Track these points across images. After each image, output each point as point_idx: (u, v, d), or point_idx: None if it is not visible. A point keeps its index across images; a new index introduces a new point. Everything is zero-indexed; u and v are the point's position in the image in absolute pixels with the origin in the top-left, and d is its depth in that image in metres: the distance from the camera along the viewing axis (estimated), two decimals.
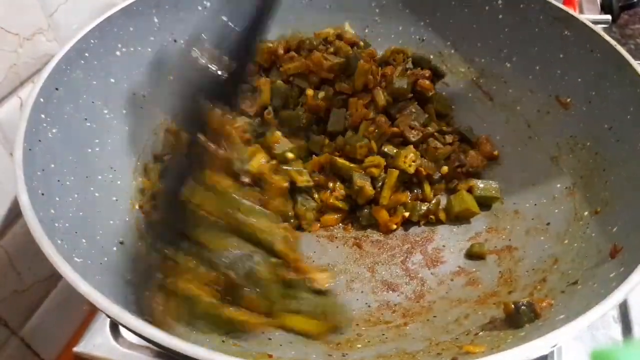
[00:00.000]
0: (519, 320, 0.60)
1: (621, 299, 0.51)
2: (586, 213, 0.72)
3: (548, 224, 0.77)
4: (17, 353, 0.82)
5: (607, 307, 0.50)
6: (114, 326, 0.80)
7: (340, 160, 0.82)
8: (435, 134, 0.89)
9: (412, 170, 0.83)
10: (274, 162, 0.78)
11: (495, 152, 0.90)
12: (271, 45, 0.95)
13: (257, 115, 0.86)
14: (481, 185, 0.86)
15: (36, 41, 0.76)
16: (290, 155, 0.80)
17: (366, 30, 1.05)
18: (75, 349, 0.79)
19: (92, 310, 0.84)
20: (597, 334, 0.79)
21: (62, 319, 0.89)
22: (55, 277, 0.85)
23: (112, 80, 0.83)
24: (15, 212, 0.77)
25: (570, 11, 0.82)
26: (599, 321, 0.53)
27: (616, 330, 0.79)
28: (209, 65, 0.66)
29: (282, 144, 0.81)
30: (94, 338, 0.79)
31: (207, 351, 0.47)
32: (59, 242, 0.58)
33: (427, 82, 0.90)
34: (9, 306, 0.78)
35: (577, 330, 0.49)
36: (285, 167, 0.79)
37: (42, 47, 0.78)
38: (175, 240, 0.63)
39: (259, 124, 0.85)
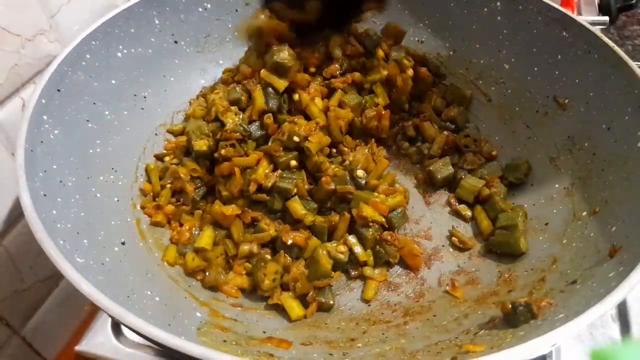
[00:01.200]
0: (516, 319, 0.61)
1: (621, 298, 0.52)
2: (585, 213, 0.73)
3: (546, 224, 0.77)
4: (19, 352, 0.82)
5: (607, 307, 0.51)
6: (116, 325, 0.80)
7: None
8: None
9: None
10: (279, 171, 0.80)
11: (494, 152, 0.90)
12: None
13: (253, 121, 0.86)
14: None
15: (38, 42, 0.77)
16: (293, 162, 0.81)
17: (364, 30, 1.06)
18: (77, 347, 0.79)
19: (94, 310, 0.84)
20: (595, 333, 0.79)
21: (64, 318, 0.89)
22: (56, 276, 0.86)
23: (113, 81, 0.83)
24: (17, 212, 0.77)
25: (568, 12, 0.83)
26: (597, 320, 0.53)
27: (614, 329, 0.80)
28: None
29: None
30: (96, 337, 0.80)
31: (209, 350, 0.47)
32: (61, 242, 0.58)
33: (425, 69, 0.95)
34: (10, 305, 0.79)
35: (577, 329, 0.49)
36: (288, 176, 0.80)
37: (44, 48, 0.78)
38: None
39: (257, 128, 0.85)
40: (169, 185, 0.83)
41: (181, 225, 0.81)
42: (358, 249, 0.77)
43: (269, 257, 0.76)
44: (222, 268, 0.76)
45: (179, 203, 0.83)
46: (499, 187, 0.82)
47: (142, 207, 0.81)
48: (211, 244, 0.77)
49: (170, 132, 0.92)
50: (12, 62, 0.73)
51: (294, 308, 0.71)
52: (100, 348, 0.79)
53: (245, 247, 0.76)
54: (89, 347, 0.79)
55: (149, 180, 0.84)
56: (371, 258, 0.78)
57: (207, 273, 0.75)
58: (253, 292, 0.75)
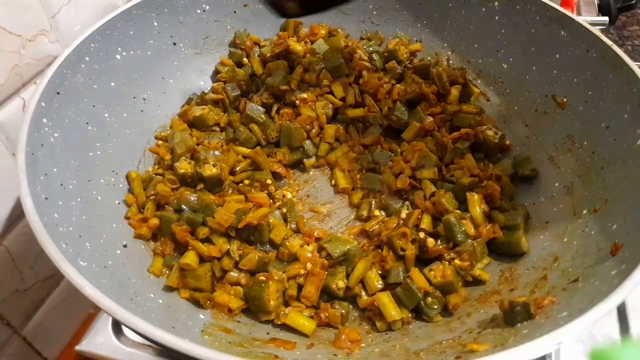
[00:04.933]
0: (512, 318, 0.61)
1: (624, 296, 0.52)
2: (585, 211, 0.73)
3: (547, 222, 0.77)
4: (20, 352, 0.82)
5: (611, 305, 0.51)
6: (117, 325, 0.80)
7: None
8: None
9: None
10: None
11: (507, 142, 0.90)
12: None
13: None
14: None
15: (38, 42, 0.77)
16: None
17: (363, 32, 1.06)
18: (77, 347, 0.79)
19: (97, 311, 0.84)
20: (594, 333, 0.79)
21: (64, 318, 0.89)
22: (57, 276, 0.86)
23: (113, 83, 0.83)
24: (17, 212, 0.77)
25: (566, 12, 0.83)
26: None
27: (614, 329, 0.80)
28: None
29: None
30: (96, 337, 0.80)
31: (213, 352, 0.47)
32: (64, 246, 0.58)
33: None
34: (11, 305, 0.79)
35: (582, 328, 0.49)
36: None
37: (44, 48, 0.78)
38: None
39: None
40: (152, 198, 0.79)
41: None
42: None
43: (264, 277, 0.71)
44: (210, 286, 0.72)
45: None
46: (507, 187, 0.82)
47: (127, 218, 0.77)
48: (197, 262, 0.73)
49: (158, 138, 0.90)
50: (13, 62, 0.73)
51: (305, 324, 0.69)
52: (101, 348, 0.78)
53: (233, 275, 0.72)
54: (90, 347, 0.79)
55: (131, 190, 0.80)
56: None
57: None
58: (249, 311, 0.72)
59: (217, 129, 0.92)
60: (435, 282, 0.71)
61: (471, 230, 0.75)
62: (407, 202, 0.82)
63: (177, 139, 0.85)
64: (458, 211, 0.77)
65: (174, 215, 0.76)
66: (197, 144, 0.87)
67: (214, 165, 0.82)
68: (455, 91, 0.95)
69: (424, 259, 0.75)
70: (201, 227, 0.75)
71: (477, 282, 0.74)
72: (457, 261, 0.73)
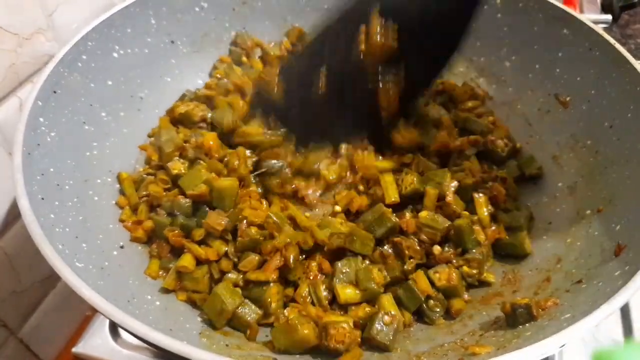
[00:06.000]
0: (515, 320, 0.61)
1: (628, 297, 0.51)
2: (588, 212, 0.72)
3: (550, 223, 0.77)
4: (16, 354, 0.81)
5: (615, 306, 0.50)
6: (113, 327, 0.80)
7: None
8: None
9: None
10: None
11: (518, 145, 0.88)
12: None
13: None
14: None
15: (35, 41, 0.76)
16: None
17: None
18: (74, 349, 0.79)
19: (94, 313, 0.83)
20: (597, 334, 0.79)
21: (61, 320, 0.89)
22: (54, 277, 0.85)
23: (110, 82, 0.82)
24: (14, 213, 0.76)
25: (569, 10, 0.82)
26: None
27: (617, 330, 0.79)
28: None
29: None
30: (93, 339, 0.79)
31: (211, 355, 0.46)
32: (60, 247, 0.57)
33: None
34: (8, 307, 0.78)
35: (585, 329, 0.49)
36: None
37: (41, 47, 0.77)
38: None
39: None
40: (144, 199, 0.77)
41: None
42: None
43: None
44: (208, 288, 0.71)
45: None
46: (511, 188, 0.81)
47: (122, 221, 0.75)
48: (193, 264, 0.70)
49: (150, 136, 0.88)
50: (10, 61, 0.72)
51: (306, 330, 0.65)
52: (98, 350, 0.78)
53: (232, 276, 0.70)
54: (86, 349, 0.78)
55: (123, 192, 0.78)
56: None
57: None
58: None
59: (204, 125, 0.89)
60: (439, 285, 0.70)
61: (481, 236, 0.74)
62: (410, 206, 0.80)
63: (163, 137, 0.82)
64: (466, 212, 0.76)
65: (167, 220, 0.75)
66: (185, 141, 0.84)
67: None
68: (470, 104, 0.93)
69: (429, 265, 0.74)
70: (197, 228, 0.73)
71: (482, 284, 0.73)
72: (465, 268, 0.72)
